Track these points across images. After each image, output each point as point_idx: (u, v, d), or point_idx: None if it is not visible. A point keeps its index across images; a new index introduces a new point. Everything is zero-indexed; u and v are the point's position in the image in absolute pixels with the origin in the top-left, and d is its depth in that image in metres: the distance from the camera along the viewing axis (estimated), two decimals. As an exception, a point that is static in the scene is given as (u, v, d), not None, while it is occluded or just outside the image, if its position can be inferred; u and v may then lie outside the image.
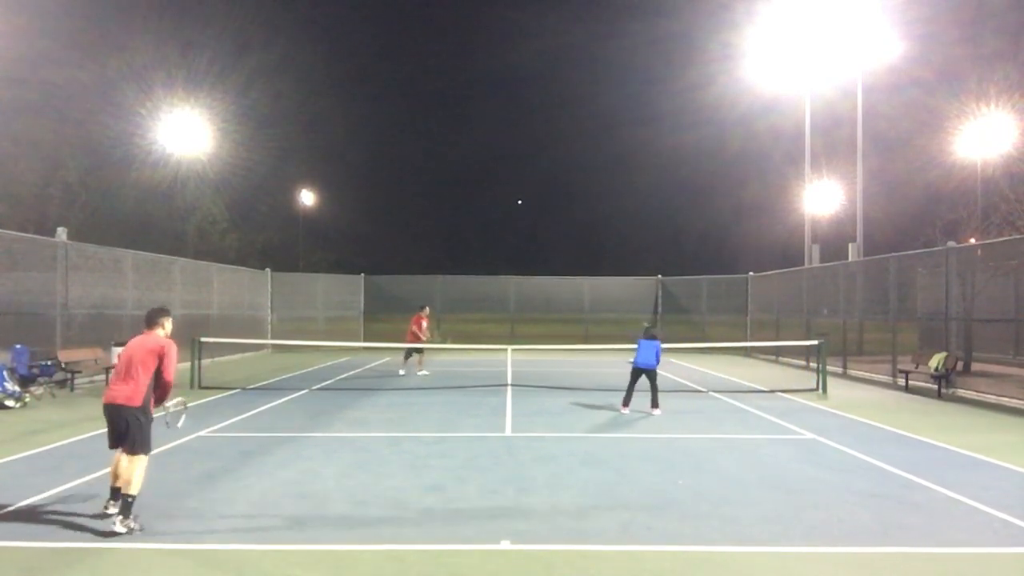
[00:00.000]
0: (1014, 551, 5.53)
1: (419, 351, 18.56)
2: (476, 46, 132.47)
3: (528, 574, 5.00)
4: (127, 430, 5.89)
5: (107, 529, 5.67)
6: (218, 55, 46.58)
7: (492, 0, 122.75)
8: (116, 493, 5.96)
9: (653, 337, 12.27)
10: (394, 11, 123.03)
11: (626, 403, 12.17)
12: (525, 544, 5.53)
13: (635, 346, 12.38)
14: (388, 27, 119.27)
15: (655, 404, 12.06)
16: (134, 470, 5.79)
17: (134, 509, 5.72)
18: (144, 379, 5.97)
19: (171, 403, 6.34)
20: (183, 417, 6.71)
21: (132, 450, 5.87)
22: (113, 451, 6.07)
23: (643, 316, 29.84)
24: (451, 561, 5.20)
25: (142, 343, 6.10)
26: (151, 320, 6.29)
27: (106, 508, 6.04)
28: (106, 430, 6.07)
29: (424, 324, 18.26)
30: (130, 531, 5.60)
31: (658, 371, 12.30)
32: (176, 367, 6.27)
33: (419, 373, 18.43)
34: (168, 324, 6.35)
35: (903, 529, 6.00)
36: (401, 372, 18.57)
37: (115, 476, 6.01)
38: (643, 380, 12.07)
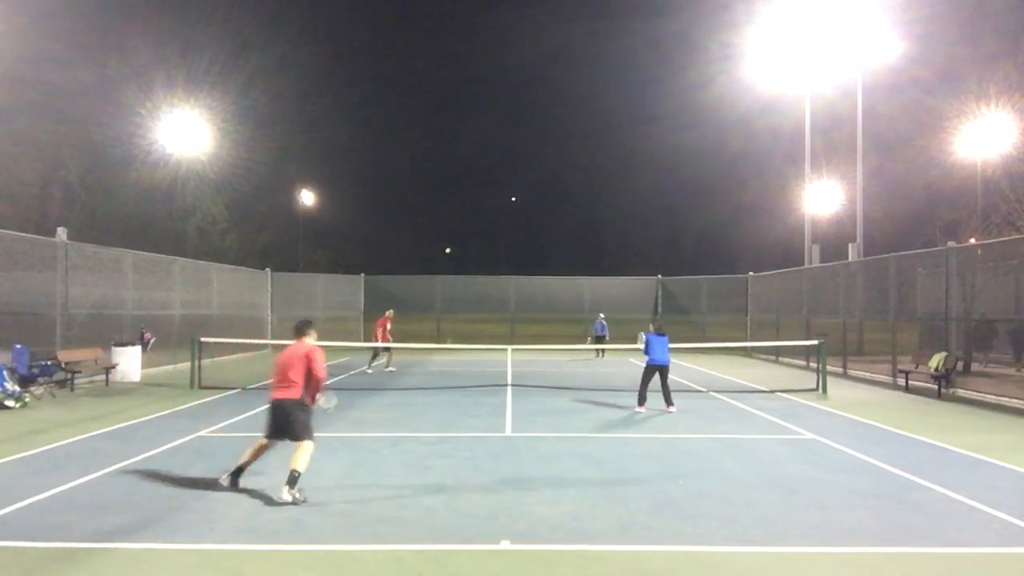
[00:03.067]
0: (1014, 551, 5.53)
1: (387, 350, 19.81)
2: (476, 46, 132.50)
3: (528, 574, 5.00)
4: (289, 422, 6.93)
5: (280, 499, 6.56)
6: (218, 55, 46.61)
7: (492, 0, 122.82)
8: (239, 471, 7.09)
9: (663, 333, 12.32)
10: (394, 11, 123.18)
11: (642, 402, 12.15)
12: (525, 544, 5.53)
13: (640, 346, 12.40)
14: (388, 27, 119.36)
15: (671, 401, 12.12)
16: (301, 453, 6.82)
17: (299, 484, 6.65)
18: (299, 379, 7.00)
19: (322, 398, 7.32)
20: (335, 400, 7.59)
21: (298, 437, 6.90)
22: (261, 438, 7.17)
23: (643, 316, 29.82)
24: (451, 561, 5.20)
25: (294, 351, 7.13)
26: (300, 330, 7.36)
27: (220, 478, 7.12)
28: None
29: (388, 326, 19.41)
30: (295, 500, 6.53)
31: None
32: (324, 366, 7.16)
33: (386, 370, 19.53)
34: (314, 333, 7.39)
35: (903, 529, 6.00)
36: (368, 371, 19.48)
37: (249, 455, 7.14)
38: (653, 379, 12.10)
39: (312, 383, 7.10)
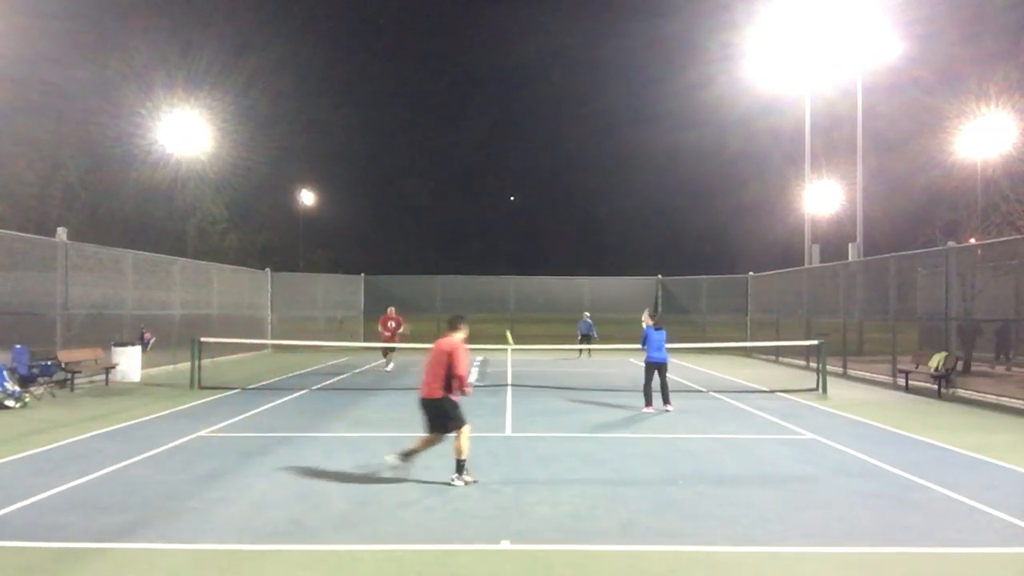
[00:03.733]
0: (1014, 551, 5.53)
1: (391, 349, 19.79)
2: (476, 46, 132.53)
3: (528, 574, 5.00)
4: (438, 417, 7.31)
5: (452, 483, 7.12)
6: (218, 55, 46.43)
7: (492, 0, 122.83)
8: (410, 454, 7.47)
9: (661, 327, 12.30)
10: (394, 11, 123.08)
11: (649, 402, 12.10)
12: (525, 544, 5.53)
13: (638, 346, 12.37)
14: (388, 27, 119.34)
15: (668, 400, 12.16)
16: (461, 441, 7.22)
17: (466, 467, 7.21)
18: (441, 374, 7.25)
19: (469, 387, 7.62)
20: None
21: (451, 429, 7.28)
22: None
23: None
24: (451, 561, 5.20)
25: (438, 345, 7.41)
26: (452, 325, 7.56)
27: (387, 455, 7.59)
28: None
29: (389, 322, 19.48)
30: (466, 484, 7.09)
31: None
32: (465, 363, 7.39)
33: (385, 368, 19.56)
34: (465, 328, 7.59)
35: (903, 529, 6.00)
36: (387, 368, 19.56)
37: (419, 443, 7.49)
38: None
39: (454, 377, 7.26)
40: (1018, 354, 19.77)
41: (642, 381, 12.29)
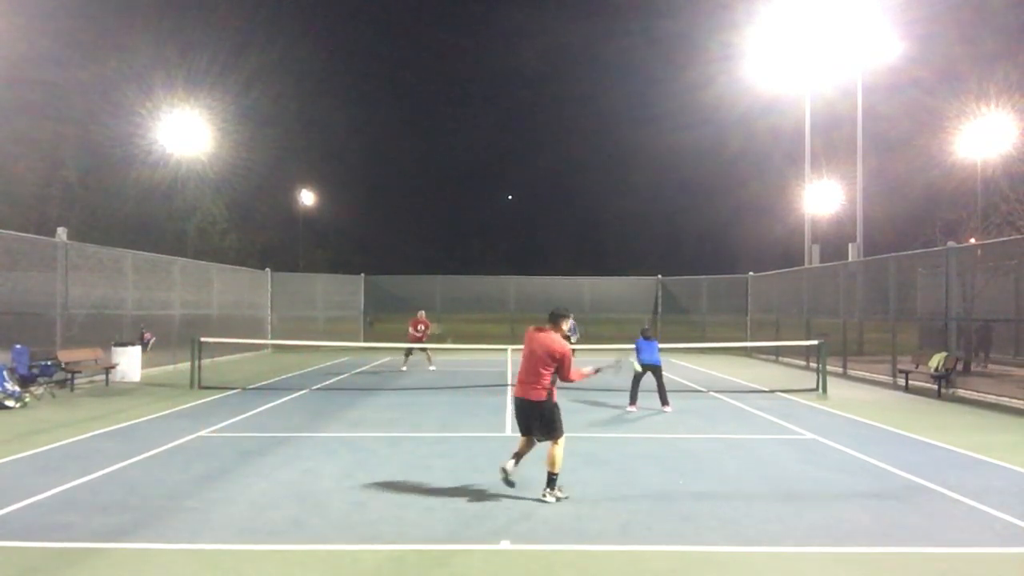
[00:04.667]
0: (1014, 551, 5.53)
1: (422, 350, 20.06)
2: (476, 46, 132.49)
3: (528, 574, 5.00)
4: (539, 421, 6.75)
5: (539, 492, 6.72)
6: (218, 55, 46.49)
7: (492, 0, 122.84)
8: (518, 457, 6.96)
9: (651, 338, 12.69)
10: (394, 11, 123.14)
11: (633, 401, 12.34)
12: (525, 544, 5.53)
13: (632, 346, 12.66)
14: (388, 27, 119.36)
15: (666, 401, 12.31)
16: (556, 451, 6.76)
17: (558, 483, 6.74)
18: (544, 374, 6.70)
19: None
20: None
21: (554, 436, 6.77)
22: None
23: (643, 316, 29.84)
24: (451, 561, 5.20)
25: (539, 341, 6.76)
26: (555, 319, 6.95)
27: (503, 463, 6.94)
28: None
29: (419, 325, 19.63)
30: (557, 500, 6.61)
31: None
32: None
33: (429, 368, 19.96)
34: (566, 322, 7.03)
35: (903, 529, 6.00)
36: (403, 368, 19.91)
37: (521, 445, 7.01)
38: (647, 380, 12.31)
39: (561, 379, 6.81)
40: (1019, 354, 19.82)
41: (641, 381, 12.50)
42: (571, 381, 6.81)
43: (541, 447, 6.98)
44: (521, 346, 7.04)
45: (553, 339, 6.75)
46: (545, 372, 6.67)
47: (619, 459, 8.60)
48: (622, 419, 11.52)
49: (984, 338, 19.35)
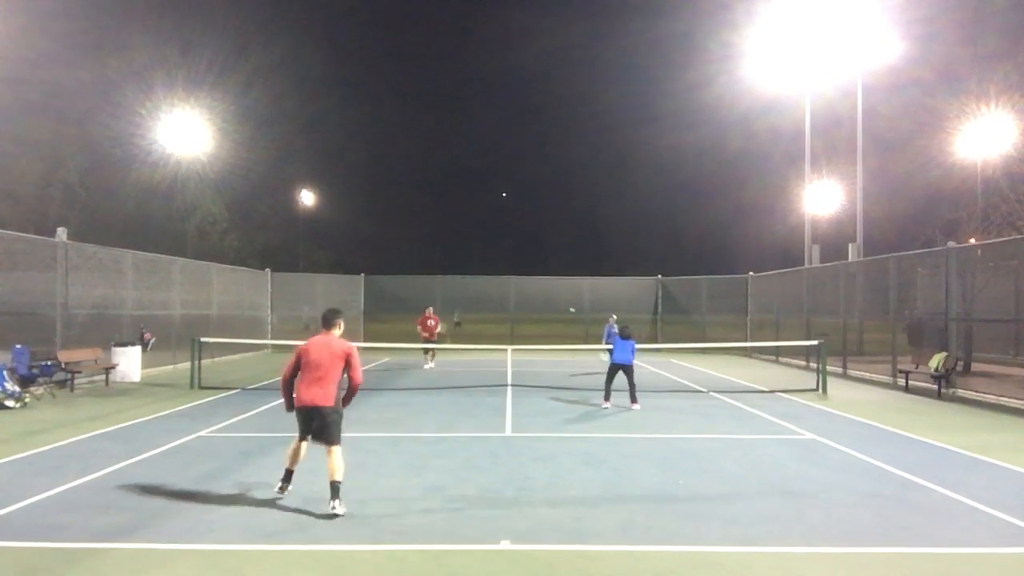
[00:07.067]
0: (1014, 551, 5.53)
1: (433, 348, 20.52)
2: (476, 46, 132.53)
3: (528, 574, 5.00)
4: (323, 426, 6.53)
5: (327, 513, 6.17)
6: (218, 55, 46.42)
7: (492, 0, 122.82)
8: (289, 475, 6.74)
9: (628, 337, 12.89)
10: (394, 11, 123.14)
11: (607, 397, 12.67)
12: (525, 544, 5.53)
13: (638, 346, 13.09)
14: (388, 27, 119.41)
15: (634, 399, 12.56)
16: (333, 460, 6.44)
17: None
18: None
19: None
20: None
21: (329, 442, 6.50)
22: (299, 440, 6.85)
23: (643, 316, 29.83)
24: (451, 561, 5.20)
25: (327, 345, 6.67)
26: (327, 321, 6.85)
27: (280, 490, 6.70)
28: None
29: (428, 322, 20.09)
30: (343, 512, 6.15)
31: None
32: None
33: (426, 367, 20.21)
34: (342, 324, 6.92)
35: (903, 529, 6.00)
36: (427, 366, 20.30)
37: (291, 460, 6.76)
38: (620, 379, 12.62)
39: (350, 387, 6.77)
40: (1019, 354, 19.79)
41: (640, 381, 12.89)
42: (359, 383, 6.79)
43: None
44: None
45: (337, 340, 6.79)
46: (336, 376, 6.64)
47: (618, 459, 8.60)
48: (622, 419, 11.52)
49: (966, 340, 19.25)
